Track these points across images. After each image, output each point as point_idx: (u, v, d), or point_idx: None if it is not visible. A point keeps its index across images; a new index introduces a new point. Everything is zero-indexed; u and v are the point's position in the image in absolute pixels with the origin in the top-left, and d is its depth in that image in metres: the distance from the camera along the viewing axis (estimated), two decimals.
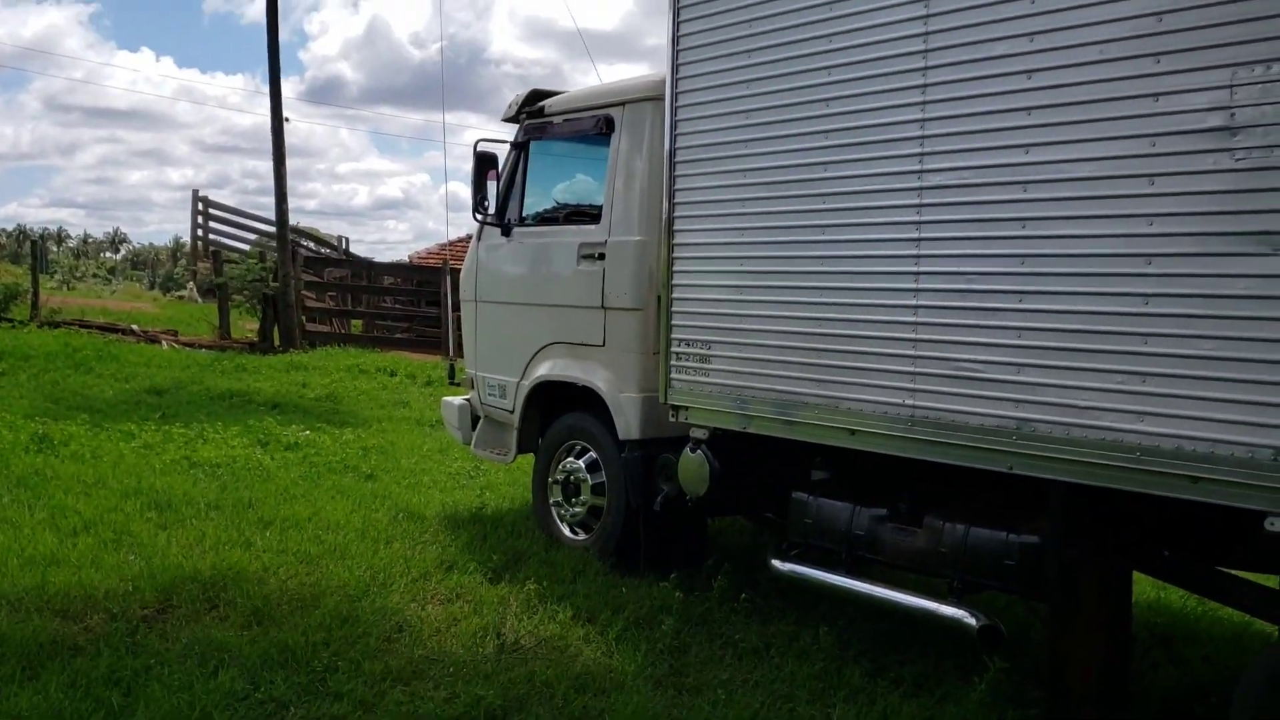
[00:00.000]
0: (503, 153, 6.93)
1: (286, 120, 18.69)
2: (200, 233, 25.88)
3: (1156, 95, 3.60)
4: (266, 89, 18.77)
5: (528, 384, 6.68)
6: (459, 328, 7.84)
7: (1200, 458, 3.51)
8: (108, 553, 5.84)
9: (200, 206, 25.70)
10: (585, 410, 6.36)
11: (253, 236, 25.84)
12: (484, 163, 6.73)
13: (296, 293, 18.32)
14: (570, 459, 6.50)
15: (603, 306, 6.14)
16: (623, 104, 6.19)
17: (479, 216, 6.87)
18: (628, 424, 6.00)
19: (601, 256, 6.16)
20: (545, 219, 6.80)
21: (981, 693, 4.34)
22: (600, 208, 6.26)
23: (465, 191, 6.94)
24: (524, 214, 6.88)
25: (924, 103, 4.30)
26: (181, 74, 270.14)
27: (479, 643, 4.90)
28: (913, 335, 4.37)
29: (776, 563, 5.25)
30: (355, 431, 10.69)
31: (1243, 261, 3.42)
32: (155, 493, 7.22)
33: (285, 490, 7.66)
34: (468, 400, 7.48)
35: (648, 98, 6.00)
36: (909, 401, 4.39)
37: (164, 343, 17.09)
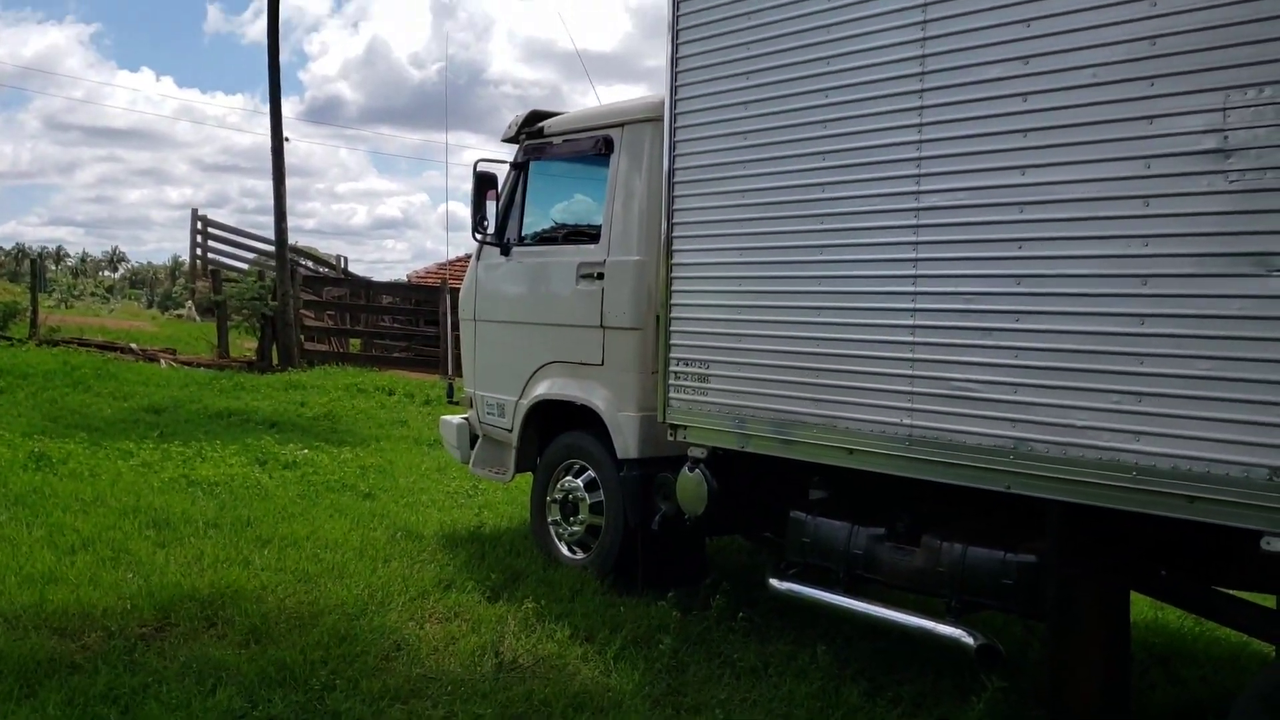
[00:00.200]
0: (502, 173, 6.98)
1: (286, 140, 18.79)
2: (199, 251, 25.93)
3: (1151, 118, 3.63)
4: (266, 109, 18.93)
5: (526, 403, 6.69)
6: (457, 346, 7.86)
7: (1197, 477, 3.52)
8: (106, 571, 5.83)
9: (199, 225, 25.76)
10: (584, 429, 6.37)
11: (251, 255, 25.86)
12: (483, 183, 6.77)
13: (295, 311, 18.34)
14: (569, 478, 6.51)
15: (601, 326, 6.16)
16: (622, 125, 6.23)
17: (478, 236, 6.90)
18: (626, 443, 6.01)
19: (600, 276, 6.19)
20: (544, 239, 6.83)
21: (979, 712, 4.34)
22: (599, 228, 6.29)
23: (464, 211, 6.98)
24: (523, 234, 6.91)
25: (921, 124, 4.33)
26: (182, 93, 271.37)
27: (477, 661, 4.89)
28: (910, 355, 4.39)
29: (774, 582, 5.25)
30: (353, 450, 10.69)
31: (1238, 282, 3.44)
32: (153, 511, 7.22)
33: (283, 509, 7.66)
34: (466, 419, 7.49)
35: (647, 119, 6.04)
36: (907, 421, 4.41)
37: (162, 361, 17.07)
